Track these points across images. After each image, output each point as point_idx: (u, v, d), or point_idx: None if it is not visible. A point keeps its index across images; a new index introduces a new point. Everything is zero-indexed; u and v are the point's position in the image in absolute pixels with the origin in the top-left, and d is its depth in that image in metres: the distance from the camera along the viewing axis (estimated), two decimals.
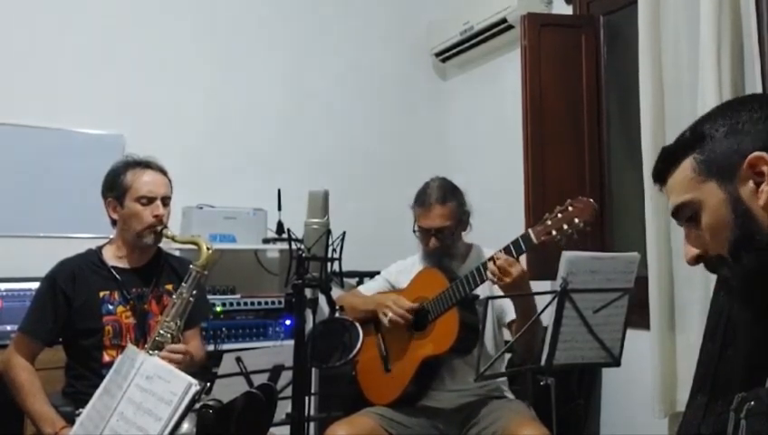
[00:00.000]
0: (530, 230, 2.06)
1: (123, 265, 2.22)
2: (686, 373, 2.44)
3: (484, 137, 3.85)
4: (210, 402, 1.43)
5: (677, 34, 2.52)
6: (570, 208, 2.00)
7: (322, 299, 1.66)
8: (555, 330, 1.91)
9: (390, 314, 2.32)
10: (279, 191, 3.40)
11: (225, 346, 3.01)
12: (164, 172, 2.24)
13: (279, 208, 3.40)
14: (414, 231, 2.42)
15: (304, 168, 3.62)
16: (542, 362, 1.94)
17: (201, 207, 3.29)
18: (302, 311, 1.59)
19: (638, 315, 2.21)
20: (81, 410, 1.53)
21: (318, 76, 3.87)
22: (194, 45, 3.58)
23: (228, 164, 3.57)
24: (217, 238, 3.20)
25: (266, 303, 3.27)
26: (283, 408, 1.78)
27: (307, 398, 1.57)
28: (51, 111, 3.22)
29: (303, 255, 1.60)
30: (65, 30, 3.30)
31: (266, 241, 3.41)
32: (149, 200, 2.16)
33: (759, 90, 2.28)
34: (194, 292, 2.10)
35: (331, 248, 1.66)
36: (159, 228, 2.16)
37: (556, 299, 1.90)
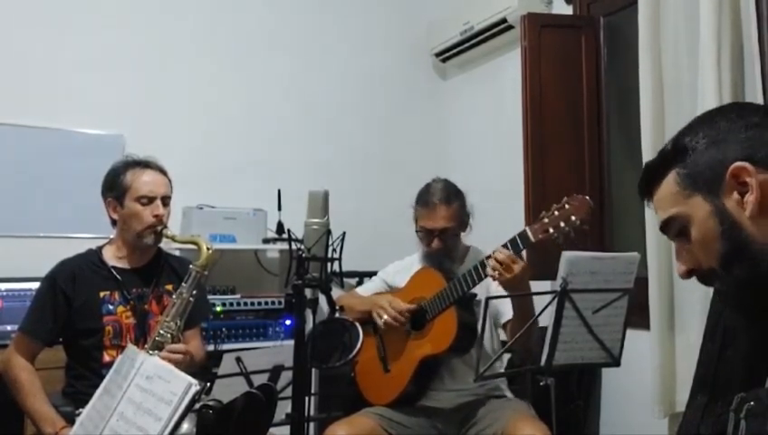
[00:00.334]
0: (527, 228, 2.06)
1: (123, 265, 2.22)
2: (686, 373, 2.44)
3: (484, 137, 3.85)
4: (210, 402, 1.43)
5: (677, 34, 2.52)
6: (566, 206, 2.01)
7: (322, 299, 1.66)
8: (555, 330, 1.91)
9: (385, 317, 2.32)
10: (279, 191, 3.40)
11: (225, 346, 3.01)
12: (164, 172, 2.24)
13: (279, 208, 3.40)
14: (417, 231, 2.41)
15: (304, 168, 3.62)
16: (542, 363, 1.94)
17: (201, 208, 3.29)
18: (302, 311, 1.59)
19: (638, 315, 2.21)
20: (81, 410, 1.53)
21: (318, 76, 3.87)
22: (194, 45, 3.58)
23: (228, 164, 3.57)
24: (217, 238, 3.20)
25: (266, 303, 3.26)
26: (283, 408, 1.78)
27: (307, 398, 1.58)
28: (51, 111, 3.22)
29: (303, 255, 1.60)
30: (65, 30, 3.30)
31: (266, 241, 3.41)
32: (149, 200, 2.16)
33: (759, 90, 2.28)
34: (194, 292, 2.10)
35: (330, 248, 1.66)
36: (159, 228, 2.16)
37: (556, 299, 1.90)
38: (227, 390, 1.70)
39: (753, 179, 0.90)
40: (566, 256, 1.90)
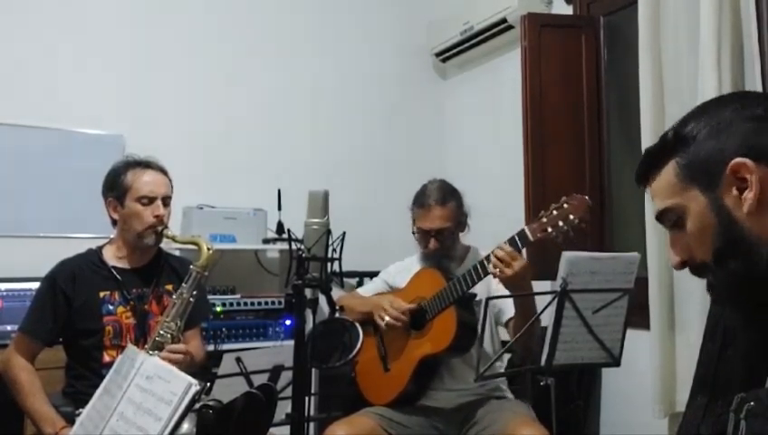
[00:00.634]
0: (526, 227, 2.06)
1: (123, 265, 2.22)
2: (686, 373, 2.44)
3: (484, 137, 3.85)
4: (210, 402, 1.43)
5: (677, 34, 2.52)
6: (565, 206, 2.01)
7: (322, 299, 1.66)
8: (555, 330, 1.91)
9: (387, 318, 2.32)
10: (279, 191, 3.41)
11: (225, 346, 3.01)
12: (164, 172, 2.24)
13: (279, 208, 3.40)
14: (413, 232, 2.42)
15: (304, 168, 3.62)
16: (542, 363, 1.94)
17: (201, 208, 3.29)
18: (302, 311, 1.59)
19: (638, 315, 2.21)
20: (81, 410, 1.53)
21: (318, 76, 3.87)
22: (194, 45, 3.58)
23: (228, 164, 3.57)
24: (217, 238, 3.20)
25: (266, 303, 3.27)
26: (283, 408, 1.78)
27: (307, 398, 1.58)
28: (51, 111, 3.22)
29: (303, 255, 1.60)
30: (65, 30, 3.30)
31: (266, 241, 3.41)
32: (150, 200, 2.16)
33: (759, 90, 2.28)
34: (194, 292, 2.10)
35: (331, 248, 1.66)
36: (160, 228, 2.16)
37: (556, 299, 1.90)
38: (227, 390, 1.70)
39: (754, 176, 0.90)
40: (566, 256, 1.90)
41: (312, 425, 3.02)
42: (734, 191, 0.91)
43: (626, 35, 3.01)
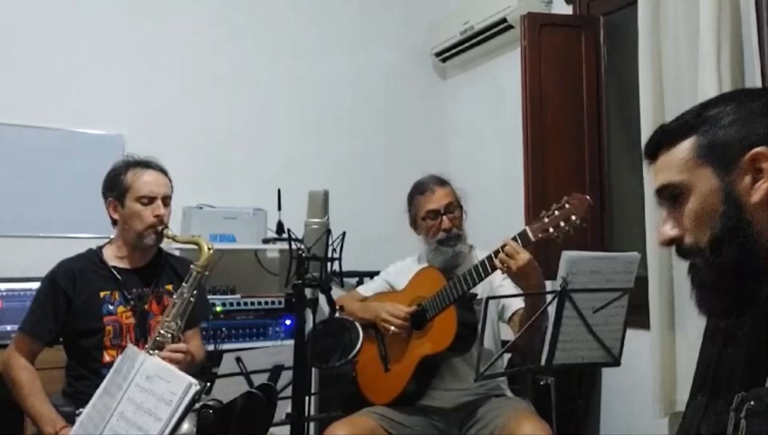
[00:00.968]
0: (527, 228, 2.06)
1: (124, 265, 2.22)
2: (686, 373, 2.44)
3: (484, 137, 3.85)
4: (210, 402, 1.43)
5: (677, 34, 2.52)
6: (566, 206, 2.01)
7: (322, 299, 1.66)
8: (555, 330, 1.91)
9: (392, 329, 2.32)
10: (279, 191, 3.41)
11: (225, 346, 3.01)
12: (164, 172, 2.24)
13: (279, 208, 3.40)
14: (423, 219, 2.40)
15: (304, 168, 3.62)
16: (542, 362, 1.94)
17: (201, 207, 3.29)
18: (302, 311, 1.59)
19: (638, 315, 2.21)
20: (81, 409, 1.53)
21: (318, 76, 3.87)
22: (194, 45, 3.58)
23: (228, 164, 3.57)
24: (217, 238, 3.20)
25: (266, 303, 3.26)
26: (283, 408, 1.78)
27: (307, 398, 1.58)
28: (51, 110, 3.22)
29: (303, 255, 1.60)
30: (65, 30, 3.30)
31: (266, 241, 3.41)
32: (150, 200, 2.16)
33: None
34: (194, 292, 2.10)
35: (330, 248, 1.67)
36: (160, 228, 2.16)
37: (556, 299, 1.90)
38: (227, 390, 1.70)
39: None
40: (566, 255, 1.90)
41: (312, 425, 3.03)
42: (747, 179, 0.91)
43: (626, 35, 3.01)
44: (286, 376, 1.87)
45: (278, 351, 1.94)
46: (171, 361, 1.90)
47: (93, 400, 1.47)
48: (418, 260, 2.54)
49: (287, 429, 1.61)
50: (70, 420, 1.95)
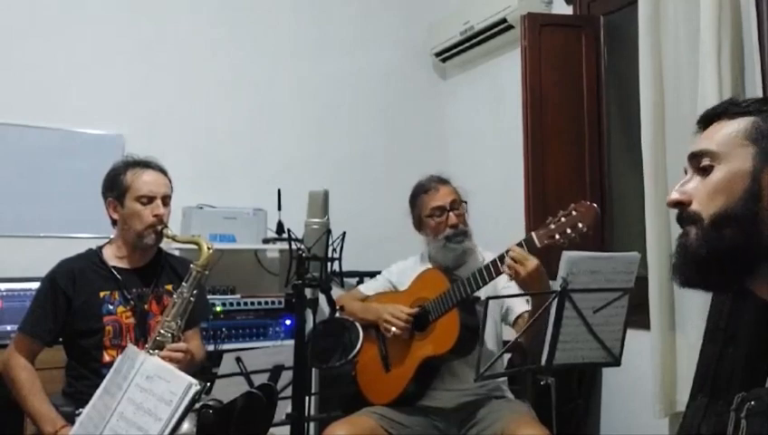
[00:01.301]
0: (533, 234, 2.05)
1: (124, 265, 2.22)
2: (686, 373, 2.44)
3: (484, 137, 3.85)
4: (210, 402, 1.43)
5: (677, 34, 2.52)
6: (573, 213, 1.99)
7: (322, 299, 1.66)
8: (555, 330, 1.91)
9: (393, 329, 2.32)
10: (279, 191, 3.41)
11: (225, 346, 3.01)
12: (164, 172, 2.24)
13: (279, 208, 3.40)
14: (428, 217, 2.40)
15: (304, 168, 3.62)
16: (543, 362, 1.94)
17: (201, 207, 3.29)
18: (302, 311, 1.59)
19: (638, 315, 2.21)
20: (81, 409, 1.53)
21: (318, 76, 3.87)
22: (194, 45, 3.58)
23: (228, 164, 3.57)
24: (217, 238, 3.20)
25: (266, 303, 3.26)
26: (283, 408, 1.78)
27: (307, 398, 1.58)
28: (51, 111, 3.22)
29: (303, 255, 1.60)
30: (65, 29, 3.30)
31: (266, 241, 3.41)
32: (150, 200, 2.16)
33: (759, 90, 2.28)
34: (194, 291, 2.10)
35: (330, 248, 1.67)
36: (160, 228, 2.16)
37: (556, 299, 1.90)
38: (227, 390, 1.70)
39: None
40: (566, 255, 1.90)
41: (312, 425, 3.03)
42: None
43: (626, 35, 3.01)
44: (286, 376, 1.87)
45: (278, 351, 1.94)
46: (171, 360, 1.90)
47: (93, 400, 1.47)
48: (421, 260, 2.53)
49: (287, 429, 1.61)
50: (70, 419, 1.95)
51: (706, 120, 1.01)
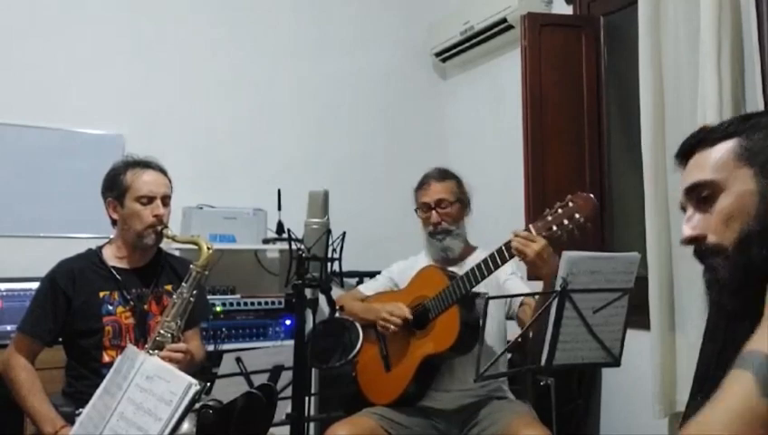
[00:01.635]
0: (531, 226, 2.06)
1: (123, 265, 2.22)
2: (686, 373, 2.44)
3: (484, 137, 3.85)
4: (210, 402, 1.43)
5: (677, 34, 2.52)
6: (570, 204, 2.00)
7: (322, 299, 1.66)
8: (555, 330, 1.91)
9: (392, 328, 2.32)
10: (279, 191, 3.41)
11: (225, 346, 3.01)
12: (164, 172, 2.24)
13: (279, 208, 3.40)
14: (416, 211, 2.48)
15: (304, 168, 3.62)
16: (542, 363, 1.94)
17: (201, 207, 3.29)
18: (302, 311, 1.59)
19: (638, 315, 2.21)
20: (81, 409, 1.53)
21: (318, 76, 3.87)
22: (194, 45, 3.58)
23: (228, 164, 3.58)
24: (217, 238, 3.20)
25: (266, 303, 3.26)
26: (283, 408, 1.78)
27: (307, 398, 1.58)
28: (51, 111, 3.22)
29: (303, 255, 1.60)
30: (65, 29, 3.30)
31: (266, 241, 3.41)
32: (149, 200, 2.16)
33: (759, 90, 2.28)
34: (194, 291, 2.10)
35: (330, 248, 1.67)
36: (160, 228, 2.16)
37: (556, 299, 1.90)
38: (227, 390, 1.70)
39: None
40: (566, 255, 1.90)
41: (312, 425, 3.03)
42: None
43: (626, 35, 3.01)
44: (286, 376, 1.87)
45: (278, 351, 1.94)
46: (171, 360, 1.90)
47: (93, 400, 1.47)
48: (424, 254, 2.56)
49: (287, 429, 1.61)
50: (70, 420, 1.95)
51: (685, 153, 1.01)
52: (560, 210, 2.02)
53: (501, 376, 2.33)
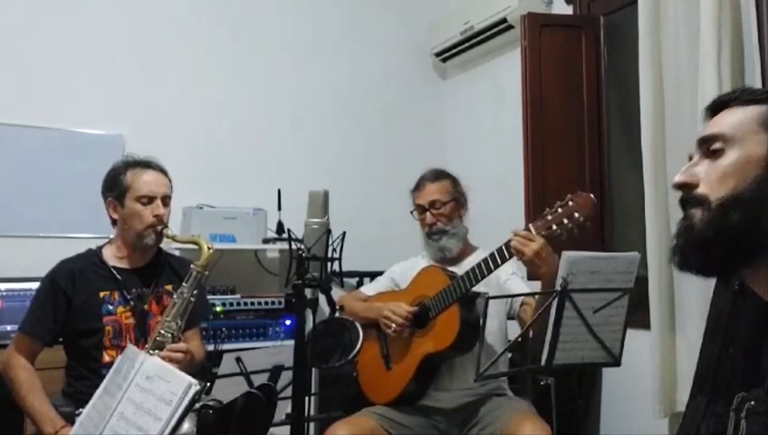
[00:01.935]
0: (530, 225, 2.06)
1: (123, 265, 2.22)
2: (686, 373, 2.44)
3: (484, 137, 3.85)
4: (210, 402, 1.43)
5: (677, 34, 2.52)
6: (570, 203, 2.00)
7: (322, 299, 1.66)
8: (555, 330, 1.91)
9: (394, 326, 2.32)
10: (279, 191, 3.41)
11: (225, 346, 3.00)
12: (164, 172, 2.24)
13: (279, 208, 3.40)
14: (411, 212, 2.50)
15: (304, 168, 3.62)
16: (542, 362, 1.94)
17: (201, 207, 3.29)
18: (302, 311, 1.59)
19: (638, 315, 2.21)
20: (81, 409, 1.53)
21: (318, 76, 3.87)
22: (195, 45, 3.58)
23: (228, 164, 3.57)
24: (217, 238, 3.19)
25: (266, 303, 3.26)
26: (283, 408, 1.78)
27: (307, 398, 1.58)
28: (51, 110, 3.22)
29: (303, 255, 1.60)
30: (65, 30, 3.30)
31: (266, 241, 3.41)
32: (150, 200, 2.16)
33: None
34: (194, 291, 2.10)
35: (330, 248, 1.67)
36: (160, 228, 2.16)
37: (556, 299, 1.90)
38: (227, 390, 1.70)
39: None
40: (566, 255, 1.90)
41: (312, 425, 3.03)
42: None
43: (626, 35, 3.01)
44: (286, 376, 1.87)
45: (278, 351, 1.94)
46: (171, 360, 1.90)
47: (93, 400, 1.47)
48: (423, 254, 2.56)
49: (287, 429, 1.61)
50: (70, 420, 1.95)
51: (716, 107, 1.01)
52: (560, 209, 2.02)
53: (501, 375, 2.34)
